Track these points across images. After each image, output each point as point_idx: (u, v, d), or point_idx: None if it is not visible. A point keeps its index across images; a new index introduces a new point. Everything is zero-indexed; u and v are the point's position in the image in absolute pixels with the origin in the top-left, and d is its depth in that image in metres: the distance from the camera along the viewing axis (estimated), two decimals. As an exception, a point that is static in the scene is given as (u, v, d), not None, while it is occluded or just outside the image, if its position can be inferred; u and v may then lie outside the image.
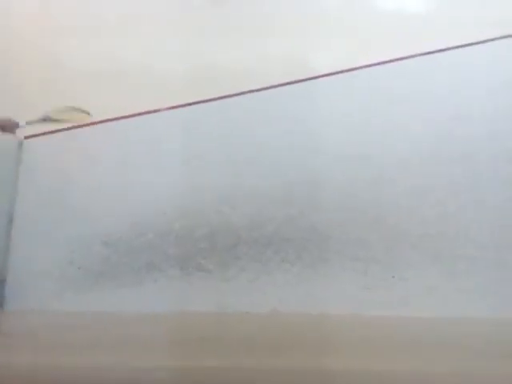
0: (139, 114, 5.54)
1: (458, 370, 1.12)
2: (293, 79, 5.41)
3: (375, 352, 1.57)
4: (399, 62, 5.28)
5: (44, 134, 5.64)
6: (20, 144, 6.32)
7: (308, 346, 1.87)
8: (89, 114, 4.24)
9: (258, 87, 5.45)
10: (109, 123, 5.65)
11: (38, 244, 5.39)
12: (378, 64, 5.26)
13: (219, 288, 5.08)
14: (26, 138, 6.13)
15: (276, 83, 5.42)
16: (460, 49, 5.23)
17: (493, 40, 5.20)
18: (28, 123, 4.04)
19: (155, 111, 5.51)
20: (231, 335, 2.46)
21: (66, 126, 5.46)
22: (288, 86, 5.40)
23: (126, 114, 5.53)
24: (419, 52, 5.23)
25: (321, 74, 5.35)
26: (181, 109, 5.46)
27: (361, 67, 5.29)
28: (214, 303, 4.88)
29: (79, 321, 3.81)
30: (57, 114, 4.24)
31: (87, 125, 5.56)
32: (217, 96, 5.43)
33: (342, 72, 5.33)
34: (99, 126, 5.65)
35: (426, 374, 1.07)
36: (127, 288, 5.36)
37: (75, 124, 4.46)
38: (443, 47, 5.23)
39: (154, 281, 5.38)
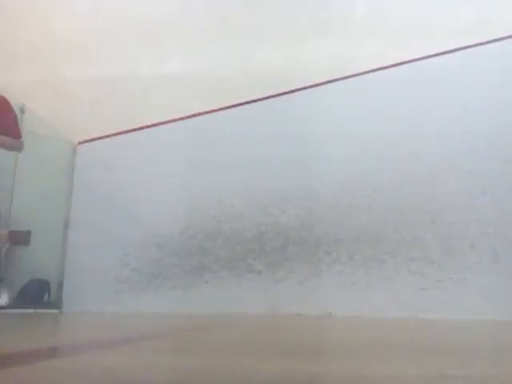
0: (192, 116, 5.61)
1: None
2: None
3: (429, 355, 1.53)
4: (439, 57, 5.16)
5: (96, 139, 5.81)
6: (74, 149, 6.54)
7: (361, 350, 1.84)
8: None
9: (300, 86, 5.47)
10: (160, 126, 5.77)
11: (93, 247, 5.54)
12: (418, 60, 5.16)
13: (269, 289, 5.10)
14: (80, 143, 6.33)
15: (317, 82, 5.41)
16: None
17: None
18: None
19: (207, 112, 5.58)
20: (282, 337, 2.45)
21: (117, 130, 5.60)
22: (332, 84, 5.37)
23: (176, 117, 5.62)
24: (452, 48, 5.11)
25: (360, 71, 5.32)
26: (233, 109, 5.50)
27: (410, 61, 5.20)
28: (264, 305, 4.89)
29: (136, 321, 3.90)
30: None
31: (141, 128, 5.68)
32: (264, 96, 5.47)
33: (385, 68, 5.26)
34: (151, 129, 5.75)
35: (486, 376, 1.03)
36: (179, 289, 5.46)
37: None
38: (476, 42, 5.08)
39: (205, 282, 5.45)
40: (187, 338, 2.38)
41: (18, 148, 3.74)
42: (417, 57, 5.06)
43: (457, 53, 5.06)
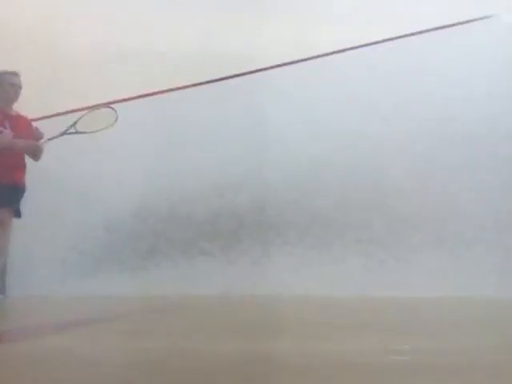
0: (145, 96, 5.48)
1: (461, 347, 1.16)
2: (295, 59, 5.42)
3: (378, 332, 1.61)
4: (398, 40, 5.27)
5: (43, 118, 5.60)
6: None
7: (312, 328, 1.91)
8: (115, 119, 4.14)
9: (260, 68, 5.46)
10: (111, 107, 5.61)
11: (38, 230, 5.37)
12: (377, 43, 5.25)
13: (223, 271, 5.13)
14: (32, 120, 6.09)
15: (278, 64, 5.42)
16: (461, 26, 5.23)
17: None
18: (50, 139, 4.07)
19: (161, 92, 5.47)
20: (235, 318, 2.49)
21: (66, 109, 5.40)
22: (289, 67, 5.40)
23: (131, 96, 5.47)
24: (419, 30, 5.23)
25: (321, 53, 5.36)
26: (188, 90, 5.42)
27: (361, 46, 5.28)
28: (217, 286, 4.92)
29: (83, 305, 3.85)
30: (83, 126, 4.20)
31: (88, 108, 5.50)
32: (221, 77, 5.42)
33: (344, 51, 5.32)
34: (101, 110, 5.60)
35: (429, 350, 1.11)
36: (131, 273, 5.40)
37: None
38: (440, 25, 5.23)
39: (157, 265, 5.42)
40: (139, 321, 2.38)
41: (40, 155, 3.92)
42: (376, 40, 5.13)
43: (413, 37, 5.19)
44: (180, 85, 5.50)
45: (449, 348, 1.21)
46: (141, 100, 5.51)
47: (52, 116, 5.44)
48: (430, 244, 4.50)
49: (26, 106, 4.09)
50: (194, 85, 5.51)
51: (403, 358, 1.01)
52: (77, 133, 3.99)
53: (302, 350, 1.21)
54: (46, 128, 3.92)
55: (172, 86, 5.47)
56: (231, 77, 5.45)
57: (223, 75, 5.46)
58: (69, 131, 3.95)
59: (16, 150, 3.92)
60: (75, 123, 3.84)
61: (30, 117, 4.12)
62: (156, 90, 5.52)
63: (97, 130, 3.92)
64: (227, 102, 5.38)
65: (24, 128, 4.05)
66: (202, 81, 5.51)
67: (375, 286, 4.30)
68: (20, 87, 4.11)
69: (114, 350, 1.25)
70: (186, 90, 5.45)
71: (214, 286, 4.93)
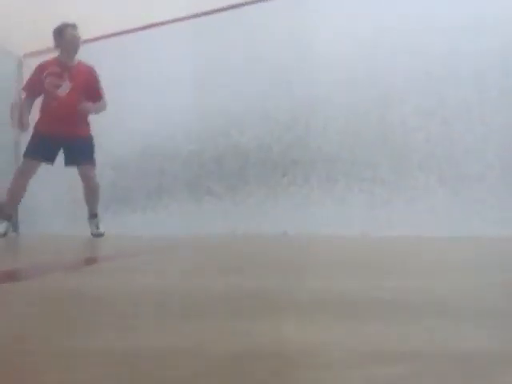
0: (149, 27, 5.35)
1: (459, 287, 1.20)
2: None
3: (382, 271, 1.66)
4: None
5: (42, 52, 5.48)
6: (20, 63, 6.21)
7: (318, 267, 1.97)
8: None
9: None
10: (117, 37, 5.49)
11: (47, 169, 5.43)
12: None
13: (229, 211, 5.21)
14: (26, 55, 5.98)
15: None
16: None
17: None
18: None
19: (163, 23, 5.33)
20: (238, 256, 2.57)
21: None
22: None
23: (136, 27, 5.35)
24: None
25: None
26: (190, 20, 5.27)
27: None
28: (224, 226, 5.02)
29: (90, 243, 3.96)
30: None
31: (95, 39, 5.38)
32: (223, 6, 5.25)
33: None
34: (109, 40, 5.44)
35: (429, 289, 1.16)
36: (138, 212, 5.50)
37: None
38: None
39: (164, 205, 5.51)
40: (149, 260, 2.45)
41: (104, 108, 4.22)
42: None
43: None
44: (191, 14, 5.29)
45: (443, 287, 1.25)
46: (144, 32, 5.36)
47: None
48: (434, 183, 4.50)
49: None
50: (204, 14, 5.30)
51: (387, 295, 1.06)
52: None
53: (291, 287, 1.26)
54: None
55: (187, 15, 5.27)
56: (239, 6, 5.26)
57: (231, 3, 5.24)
58: None
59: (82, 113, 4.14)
60: None
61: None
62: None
63: None
64: (228, 32, 5.22)
65: (84, 76, 4.14)
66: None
67: (379, 224, 4.36)
68: (80, 38, 4.21)
69: (120, 287, 1.31)
70: (197, 18, 5.25)
71: (220, 226, 5.02)
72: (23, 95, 4.50)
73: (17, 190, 4.41)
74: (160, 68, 5.43)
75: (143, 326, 0.83)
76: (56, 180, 5.49)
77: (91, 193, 4.48)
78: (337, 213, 4.61)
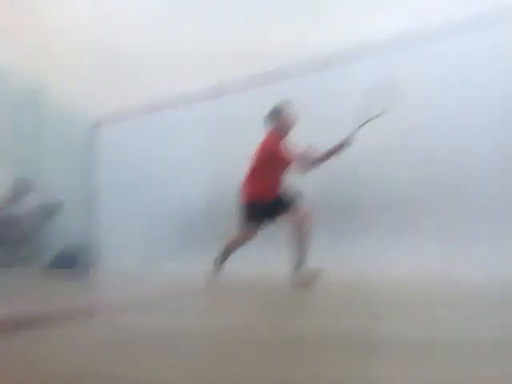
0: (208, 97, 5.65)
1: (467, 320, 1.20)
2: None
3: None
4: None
5: (115, 115, 5.92)
6: (98, 124, 6.71)
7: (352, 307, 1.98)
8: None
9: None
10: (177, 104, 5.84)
11: (121, 216, 5.74)
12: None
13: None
14: (102, 119, 6.48)
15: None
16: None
17: None
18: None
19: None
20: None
21: (135, 110, 5.71)
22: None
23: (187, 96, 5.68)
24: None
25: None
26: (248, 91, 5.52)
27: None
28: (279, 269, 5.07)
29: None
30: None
31: (161, 106, 5.77)
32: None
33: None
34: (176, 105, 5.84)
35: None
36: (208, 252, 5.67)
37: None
38: None
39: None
40: (209, 298, 2.55)
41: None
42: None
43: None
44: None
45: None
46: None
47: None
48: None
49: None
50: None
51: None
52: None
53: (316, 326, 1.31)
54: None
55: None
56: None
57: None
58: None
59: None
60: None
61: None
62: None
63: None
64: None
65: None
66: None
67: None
68: (294, 117, 4.16)
69: (189, 326, 1.38)
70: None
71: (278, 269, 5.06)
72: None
73: (235, 246, 4.38)
74: (214, 131, 5.69)
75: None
76: (128, 226, 5.80)
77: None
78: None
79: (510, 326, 1.30)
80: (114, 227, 5.81)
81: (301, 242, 3.95)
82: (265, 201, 4.05)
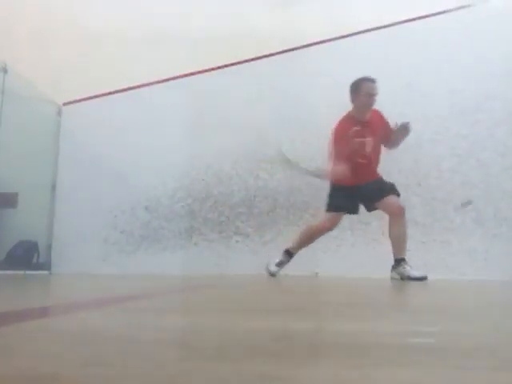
0: (181, 77, 5.50)
1: (494, 329, 1.14)
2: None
3: (404, 312, 1.59)
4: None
5: (82, 100, 5.70)
6: (59, 110, 6.43)
7: (340, 308, 1.90)
8: None
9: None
10: (148, 87, 5.66)
11: (81, 209, 5.53)
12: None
13: (257, 251, 5.16)
14: (65, 104, 6.22)
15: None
16: None
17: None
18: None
19: (199, 72, 5.48)
20: (268, 297, 2.52)
21: (104, 91, 5.49)
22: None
23: (166, 78, 5.52)
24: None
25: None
26: (223, 69, 5.42)
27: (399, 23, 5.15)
28: (252, 266, 4.97)
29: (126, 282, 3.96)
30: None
31: (128, 89, 5.57)
32: (254, 56, 5.38)
33: (383, 27, 5.20)
34: (139, 90, 5.64)
35: (454, 332, 1.09)
36: (168, 251, 5.51)
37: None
38: None
39: (194, 244, 5.51)
40: (175, 299, 2.43)
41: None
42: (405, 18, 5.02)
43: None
44: (213, 65, 5.49)
45: (477, 331, 1.18)
46: (174, 81, 5.54)
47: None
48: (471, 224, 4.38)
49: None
50: (226, 65, 5.48)
51: (425, 340, 1.00)
52: None
53: (326, 328, 1.21)
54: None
55: (206, 67, 5.47)
56: (263, 57, 5.40)
57: (256, 55, 5.41)
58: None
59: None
60: None
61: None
62: (191, 70, 5.53)
63: None
64: (258, 81, 5.34)
65: (379, 125, 3.92)
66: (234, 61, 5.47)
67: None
68: (376, 94, 3.87)
69: (147, 327, 1.28)
70: (219, 70, 5.43)
71: (248, 266, 4.97)
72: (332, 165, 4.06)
73: (311, 239, 4.14)
74: (195, 111, 5.55)
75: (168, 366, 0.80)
76: (88, 219, 5.57)
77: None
78: (368, 255, 4.51)
79: None
80: (72, 223, 5.55)
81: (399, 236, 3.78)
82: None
